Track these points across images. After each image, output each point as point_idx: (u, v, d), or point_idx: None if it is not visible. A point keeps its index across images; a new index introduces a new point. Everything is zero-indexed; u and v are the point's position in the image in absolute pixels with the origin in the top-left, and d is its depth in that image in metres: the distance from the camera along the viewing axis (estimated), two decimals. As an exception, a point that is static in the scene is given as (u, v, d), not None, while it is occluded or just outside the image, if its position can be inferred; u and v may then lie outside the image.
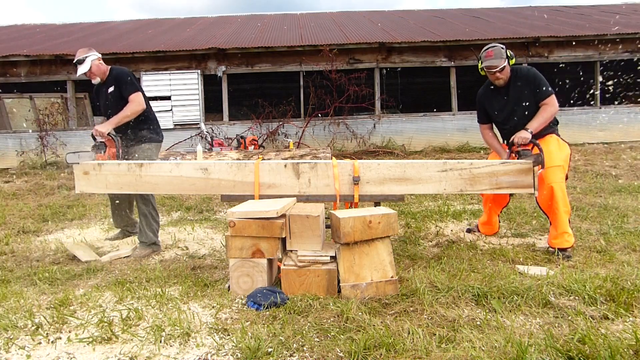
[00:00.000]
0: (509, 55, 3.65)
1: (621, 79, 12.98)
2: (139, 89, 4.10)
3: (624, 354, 1.93)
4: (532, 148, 3.46)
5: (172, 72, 12.30)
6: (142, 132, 4.19)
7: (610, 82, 12.59)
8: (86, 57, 4.09)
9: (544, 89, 3.61)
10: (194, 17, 19.70)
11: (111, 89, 4.12)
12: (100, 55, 4.20)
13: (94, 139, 3.91)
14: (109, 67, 4.24)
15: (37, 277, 3.27)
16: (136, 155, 4.12)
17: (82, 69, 4.08)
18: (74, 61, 4.14)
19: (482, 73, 3.79)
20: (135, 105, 4.00)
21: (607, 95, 12.80)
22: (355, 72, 11.79)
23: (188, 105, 12.27)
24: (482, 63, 3.69)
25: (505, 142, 3.91)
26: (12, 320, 2.39)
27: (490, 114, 3.95)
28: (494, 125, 4.04)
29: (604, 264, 3.27)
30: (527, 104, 3.68)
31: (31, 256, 4.01)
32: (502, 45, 3.67)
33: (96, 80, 4.19)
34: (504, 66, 3.63)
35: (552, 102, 3.62)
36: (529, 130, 3.48)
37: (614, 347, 1.95)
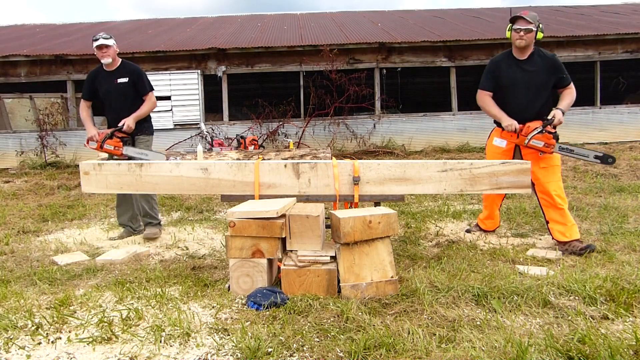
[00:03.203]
0: (540, 27, 3.74)
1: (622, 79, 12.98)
2: (152, 88, 4.58)
3: (624, 354, 1.94)
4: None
5: (172, 72, 12.28)
6: (140, 125, 4.53)
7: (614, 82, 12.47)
8: (110, 37, 4.44)
9: (566, 76, 3.80)
10: (194, 17, 19.70)
11: (123, 80, 4.46)
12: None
13: (124, 141, 4.35)
14: (120, 59, 4.57)
15: (37, 277, 3.28)
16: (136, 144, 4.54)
17: (105, 41, 4.35)
18: (98, 34, 4.40)
19: (508, 35, 3.83)
20: (152, 104, 4.54)
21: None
22: (355, 72, 11.76)
23: (188, 105, 12.25)
24: (512, 22, 3.78)
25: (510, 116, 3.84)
26: (12, 320, 2.39)
27: (500, 83, 3.87)
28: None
29: (604, 264, 3.27)
30: (542, 84, 3.78)
31: (31, 256, 4.00)
32: (536, 14, 3.79)
33: (106, 61, 4.42)
34: (531, 29, 3.70)
35: (574, 89, 3.83)
36: (561, 109, 3.69)
37: (614, 347, 1.95)
